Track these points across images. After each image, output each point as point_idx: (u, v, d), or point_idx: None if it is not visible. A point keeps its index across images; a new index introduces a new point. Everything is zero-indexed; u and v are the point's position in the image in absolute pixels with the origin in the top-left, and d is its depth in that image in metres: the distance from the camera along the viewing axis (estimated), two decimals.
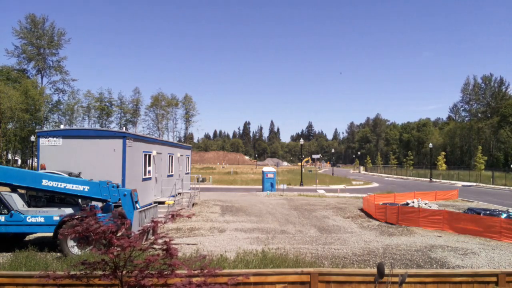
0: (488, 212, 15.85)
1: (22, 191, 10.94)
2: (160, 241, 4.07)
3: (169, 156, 19.60)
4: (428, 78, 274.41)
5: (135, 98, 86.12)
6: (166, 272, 3.94)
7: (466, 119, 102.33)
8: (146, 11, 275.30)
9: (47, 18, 66.16)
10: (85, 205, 10.76)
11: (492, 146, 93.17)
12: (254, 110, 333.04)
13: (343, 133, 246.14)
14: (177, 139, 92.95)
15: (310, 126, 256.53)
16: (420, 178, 62.81)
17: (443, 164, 65.01)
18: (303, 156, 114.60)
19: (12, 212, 9.93)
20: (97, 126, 73.24)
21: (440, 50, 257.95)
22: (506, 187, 42.03)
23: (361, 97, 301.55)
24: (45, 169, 11.82)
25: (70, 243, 9.48)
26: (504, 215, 14.35)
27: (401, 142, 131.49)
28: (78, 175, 11.42)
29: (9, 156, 63.37)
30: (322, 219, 16.91)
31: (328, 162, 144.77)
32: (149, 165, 16.30)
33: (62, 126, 48.78)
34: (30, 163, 60.84)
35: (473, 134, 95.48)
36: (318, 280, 4.99)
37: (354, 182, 48.73)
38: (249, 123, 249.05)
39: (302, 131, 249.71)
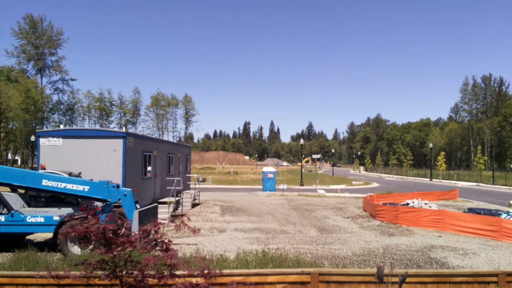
0: (488, 212, 15.85)
1: (22, 191, 10.94)
2: (160, 241, 4.07)
3: (169, 156, 19.59)
4: (429, 78, 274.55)
5: (135, 98, 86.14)
6: (166, 273, 3.94)
7: (466, 119, 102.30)
8: (146, 11, 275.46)
9: (45, 18, 66.25)
10: (85, 205, 10.76)
11: (492, 146, 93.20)
12: (254, 110, 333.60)
13: (343, 133, 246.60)
14: (177, 139, 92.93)
15: (310, 126, 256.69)
16: (420, 178, 62.82)
17: (443, 164, 65.05)
18: (303, 156, 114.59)
19: (12, 212, 9.93)
20: (97, 126, 73.15)
21: (441, 49, 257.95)
22: (506, 187, 42.04)
23: (362, 97, 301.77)
24: (45, 169, 11.82)
25: (70, 243, 9.48)
26: (504, 215, 14.34)
27: (402, 142, 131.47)
28: (78, 175, 11.41)
29: (9, 156, 63.35)
30: (322, 219, 16.90)
31: (328, 162, 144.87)
32: (149, 165, 16.29)
33: (62, 126, 48.78)
34: (30, 163, 60.83)
35: (473, 134, 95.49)
36: (318, 280, 5.00)
37: (354, 182, 48.73)
38: (249, 123, 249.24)
39: (302, 131, 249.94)
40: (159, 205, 13.60)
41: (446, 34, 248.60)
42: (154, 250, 4.10)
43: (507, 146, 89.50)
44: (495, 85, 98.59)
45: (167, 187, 18.19)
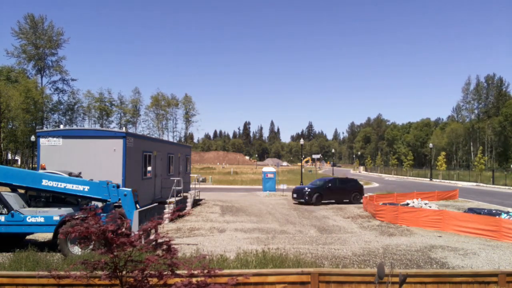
0: (488, 212, 15.85)
1: (22, 191, 10.94)
2: (160, 241, 4.07)
3: (169, 156, 19.60)
4: (429, 77, 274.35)
5: (135, 98, 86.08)
6: (166, 272, 3.94)
7: (467, 119, 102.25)
8: (146, 11, 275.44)
9: (46, 18, 66.22)
10: (85, 205, 10.76)
11: (493, 146, 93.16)
12: (254, 110, 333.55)
13: (343, 133, 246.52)
14: (177, 139, 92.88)
15: (310, 126, 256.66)
16: (420, 178, 62.81)
17: (444, 164, 65.04)
18: (303, 156, 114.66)
19: (12, 212, 9.93)
20: (97, 126, 73.14)
21: (442, 49, 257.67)
22: (506, 187, 42.03)
23: (362, 96, 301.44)
24: (45, 169, 11.82)
25: (70, 243, 9.47)
26: (504, 215, 14.34)
27: (402, 142, 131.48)
28: (78, 175, 11.41)
29: (9, 156, 63.36)
30: (322, 219, 16.91)
31: (328, 162, 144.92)
32: (149, 165, 16.29)
33: (62, 126, 48.81)
34: (30, 163, 60.83)
35: (474, 134, 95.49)
36: (318, 280, 4.99)
37: None
38: (249, 123, 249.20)
39: (302, 131, 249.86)
40: (159, 205, 13.60)
41: (446, 33, 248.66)
42: (154, 250, 4.10)
43: (509, 145, 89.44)
44: (498, 84, 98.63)
45: (167, 187, 18.20)
